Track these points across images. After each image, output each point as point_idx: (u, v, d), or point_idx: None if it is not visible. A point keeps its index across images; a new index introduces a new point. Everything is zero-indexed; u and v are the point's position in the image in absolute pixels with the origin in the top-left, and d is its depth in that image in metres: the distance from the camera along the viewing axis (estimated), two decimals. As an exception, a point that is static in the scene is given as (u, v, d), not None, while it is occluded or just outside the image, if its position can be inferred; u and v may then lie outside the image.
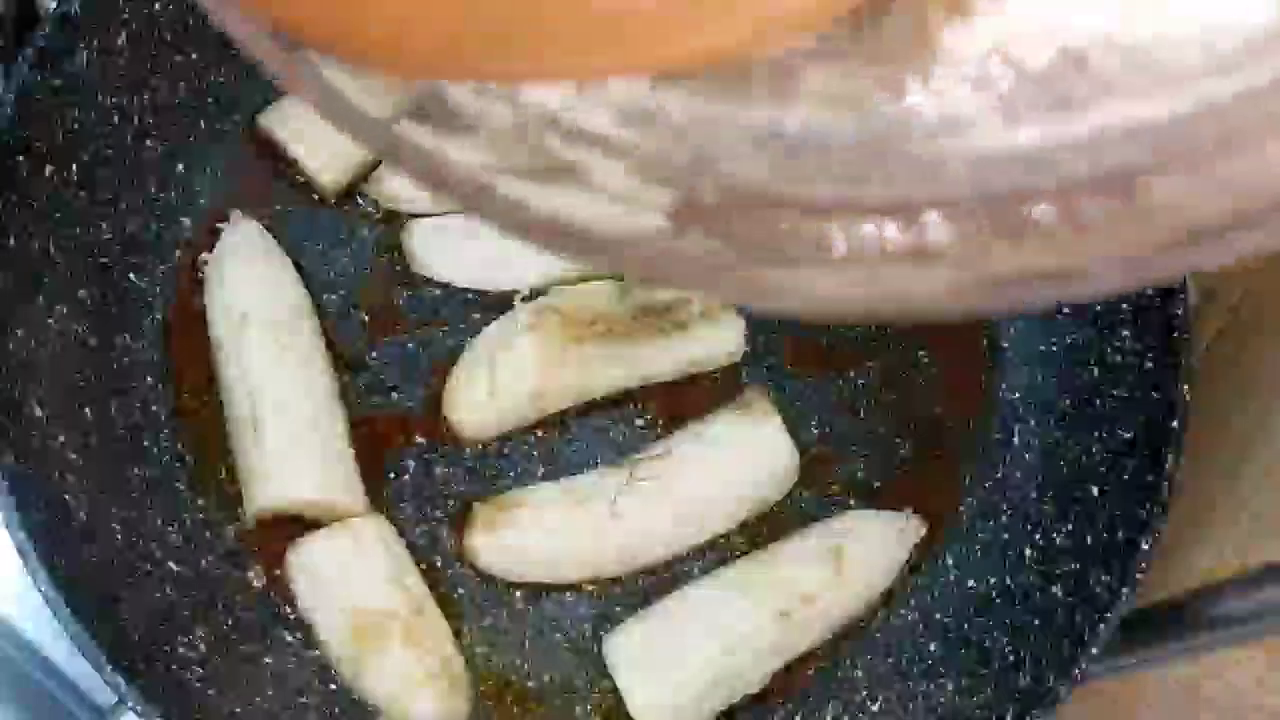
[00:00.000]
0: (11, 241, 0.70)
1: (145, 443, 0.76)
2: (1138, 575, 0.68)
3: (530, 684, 0.75)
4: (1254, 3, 0.24)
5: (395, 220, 0.83)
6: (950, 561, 0.79)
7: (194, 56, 0.79)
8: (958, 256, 0.26)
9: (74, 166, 0.74)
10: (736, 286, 0.28)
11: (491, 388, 0.76)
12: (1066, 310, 0.81)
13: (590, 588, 0.76)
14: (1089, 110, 0.26)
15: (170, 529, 0.74)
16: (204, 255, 0.80)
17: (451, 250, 0.81)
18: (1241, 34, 0.24)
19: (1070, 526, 0.75)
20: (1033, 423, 0.80)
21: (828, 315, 0.27)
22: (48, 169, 0.72)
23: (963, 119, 0.27)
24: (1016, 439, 0.81)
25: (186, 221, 0.81)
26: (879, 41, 0.27)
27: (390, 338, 0.80)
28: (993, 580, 0.77)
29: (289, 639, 0.74)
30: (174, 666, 0.68)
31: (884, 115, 0.27)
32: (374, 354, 0.80)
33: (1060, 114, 0.26)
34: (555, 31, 0.27)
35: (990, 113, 0.27)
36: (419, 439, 0.78)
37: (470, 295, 0.81)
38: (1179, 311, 0.72)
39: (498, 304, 0.81)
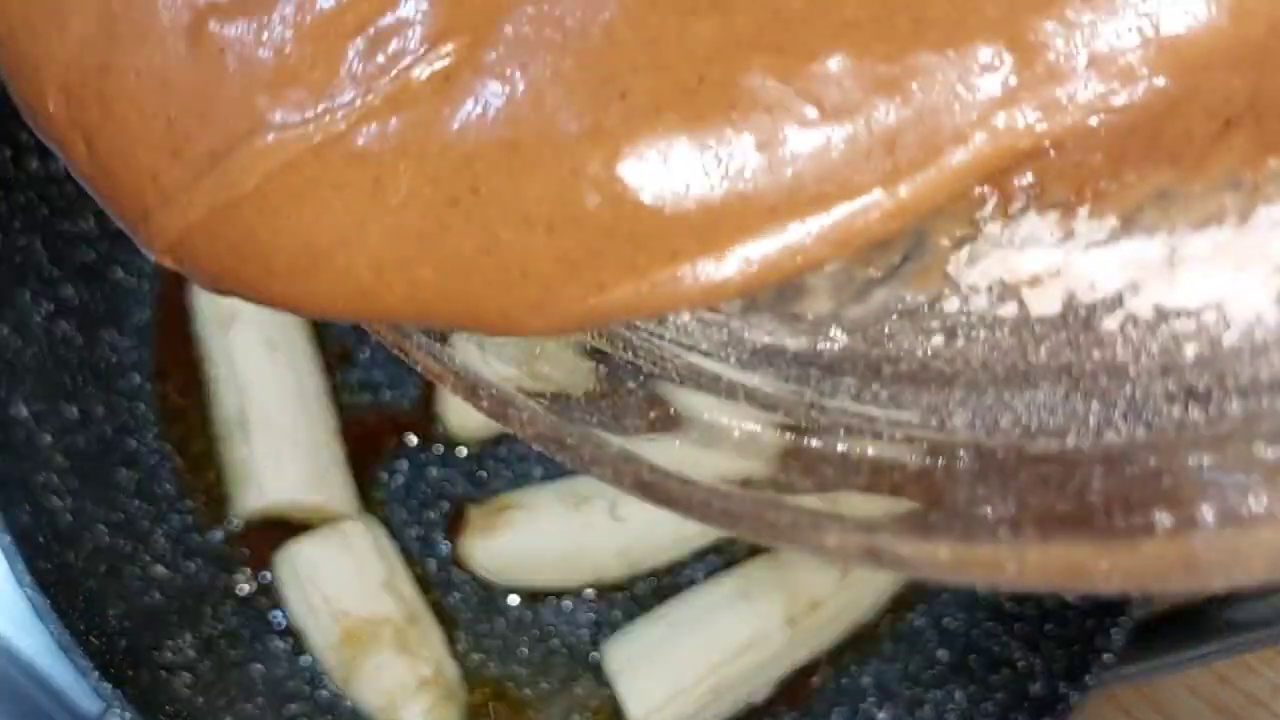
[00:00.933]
0: (-5, 236, 0.70)
1: (132, 442, 0.75)
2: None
3: (526, 692, 0.74)
4: (1250, 295, 0.25)
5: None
6: (959, 566, 0.78)
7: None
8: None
9: (59, 160, 0.73)
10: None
11: (487, 386, 0.75)
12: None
13: (589, 593, 0.75)
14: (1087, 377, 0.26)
15: (157, 531, 0.74)
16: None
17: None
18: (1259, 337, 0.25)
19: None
20: (1043, 423, 0.79)
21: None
22: (33, 163, 0.72)
23: (973, 359, 0.27)
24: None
25: (176, 217, 0.80)
26: (902, 272, 0.28)
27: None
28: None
29: (278, 645, 0.73)
30: (161, 673, 0.68)
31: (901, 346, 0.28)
32: (364, 351, 0.79)
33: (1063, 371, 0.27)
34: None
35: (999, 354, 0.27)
36: (411, 439, 0.77)
37: (466, 292, 0.80)
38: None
39: (494, 301, 0.80)
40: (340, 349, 0.79)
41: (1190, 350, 0.26)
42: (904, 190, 0.26)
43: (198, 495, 0.76)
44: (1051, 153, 0.26)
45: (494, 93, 0.27)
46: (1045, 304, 0.27)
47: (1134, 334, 0.27)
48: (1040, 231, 0.27)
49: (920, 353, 0.28)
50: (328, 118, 0.27)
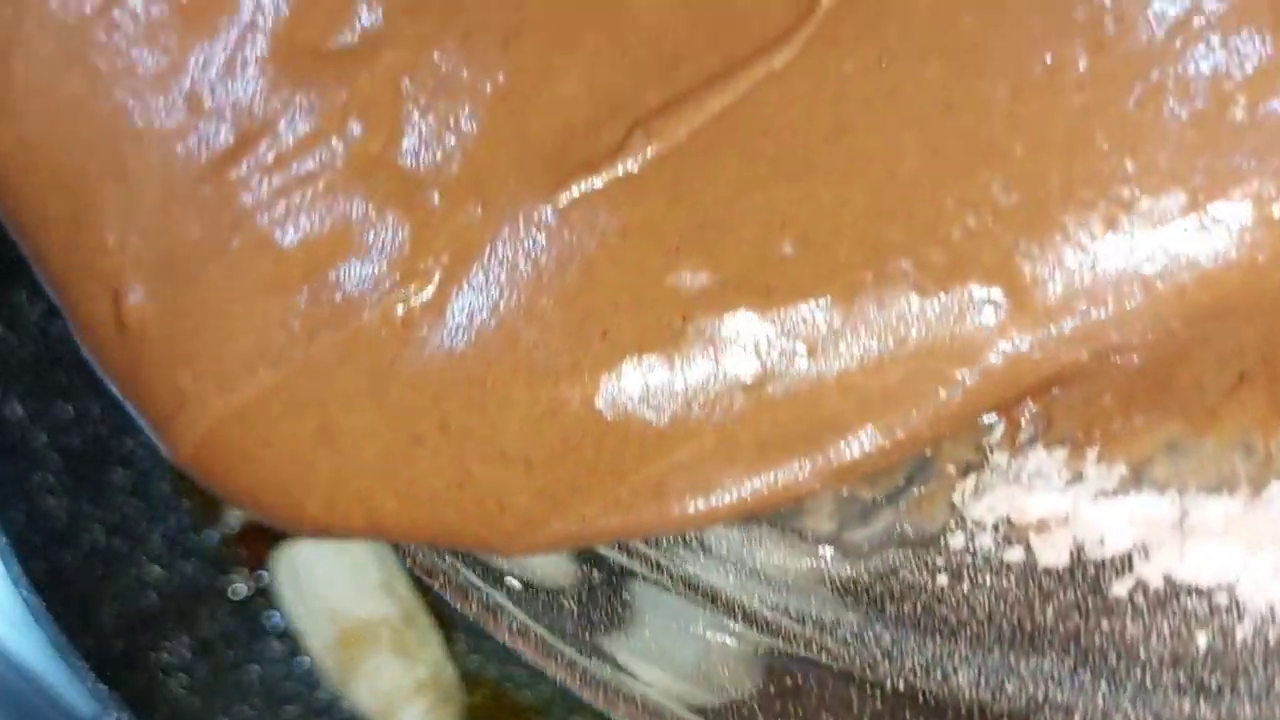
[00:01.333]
0: (-11, 234, 0.69)
1: (128, 443, 0.74)
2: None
3: (526, 694, 0.74)
4: (1263, 577, 0.25)
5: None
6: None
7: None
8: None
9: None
10: None
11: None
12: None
13: (588, 594, 0.75)
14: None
15: (154, 532, 0.73)
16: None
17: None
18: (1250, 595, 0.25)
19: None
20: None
21: None
22: (28, 160, 0.71)
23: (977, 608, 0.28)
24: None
25: (173, 215, 0.80)
26: (906, 496, 0.28)
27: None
28: None
29: (275, 646, 0.73)
30: (157, 674, 0.67)
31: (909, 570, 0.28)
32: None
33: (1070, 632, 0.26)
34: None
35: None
36: (411, 439, 0.77)
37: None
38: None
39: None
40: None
41: (1202, 640, 0.26)
42: (899, 430, 0.25)
43: (194, 496, 0.75)
44: (1055, 390, 0.26)
45: (463, 330, 0.27)
46: (1053, 554, 0.27)
47: (1144, 606, 0.26)
48: (1048, 469, 0.27)
49: (925, 593, 0.28)
50: (262, 376, 0.27)
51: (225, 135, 0.28)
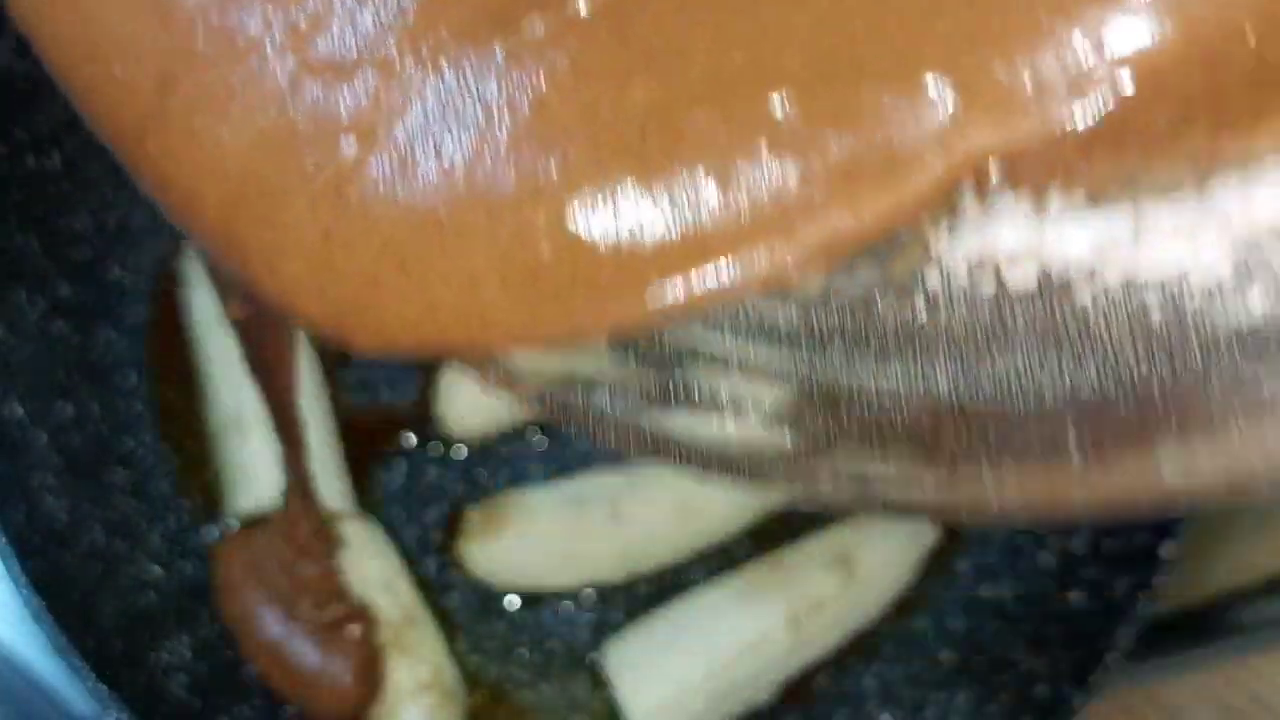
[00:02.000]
0: (-10, 234, 0.69)
1: (128, 442, 0.75)
2: (1158, 582, 0.67)
3: (526, 694, 0.74)
4: (1209, 264, 0.28)
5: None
6: (964, 567, 0.77)
7: (180, 44, 0.79)
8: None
9: (57, 157, 0.73)
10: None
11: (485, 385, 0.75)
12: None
13: (589, 595, 0.75)
14: (1068, 338, 0.29)
15: (153, 531, 0.73)
16: (188, 250, 0.78)
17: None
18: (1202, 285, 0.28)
19: (1089, 532, 0.73)
20: (1048, 423, 0.79)
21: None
22: (29, 159, 0.72)
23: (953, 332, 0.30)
24: (1031, 440, 0.79)
25: (172, 214, 0.80)
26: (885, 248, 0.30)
27: (382, 334, 0.79)
28: (1008, 587, 0.76)
29: (276, 646, 0.73)
30: (157, 674, 0.67)
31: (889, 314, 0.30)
32: (363, 351, 0.79)
33: (1043, 338, 0.29)
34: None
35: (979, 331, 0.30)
36: (410, 439, 0.77)
37: (465, 290, 0.80)
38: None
39: (494, 299, 0.80)
40: (338, 349, 0.79)
41: (1157, 316, 0.28)
42: (867, 212, 0.27)
43: (194, 495, 0.75)
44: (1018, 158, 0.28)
45: (411, 175, 0.28)
46: (1022, 280, 0.29)
47: (1105, 305, 0.29)
48: (1014, 209, 0.28)
49: (905, 324, 0.30)
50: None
51: None
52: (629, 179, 0.27)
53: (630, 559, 0.74)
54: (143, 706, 0.63)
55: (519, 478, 0.77)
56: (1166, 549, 0.67)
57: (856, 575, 0.73)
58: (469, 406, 0.75)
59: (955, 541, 0.78)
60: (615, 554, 0.74)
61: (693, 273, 0.27)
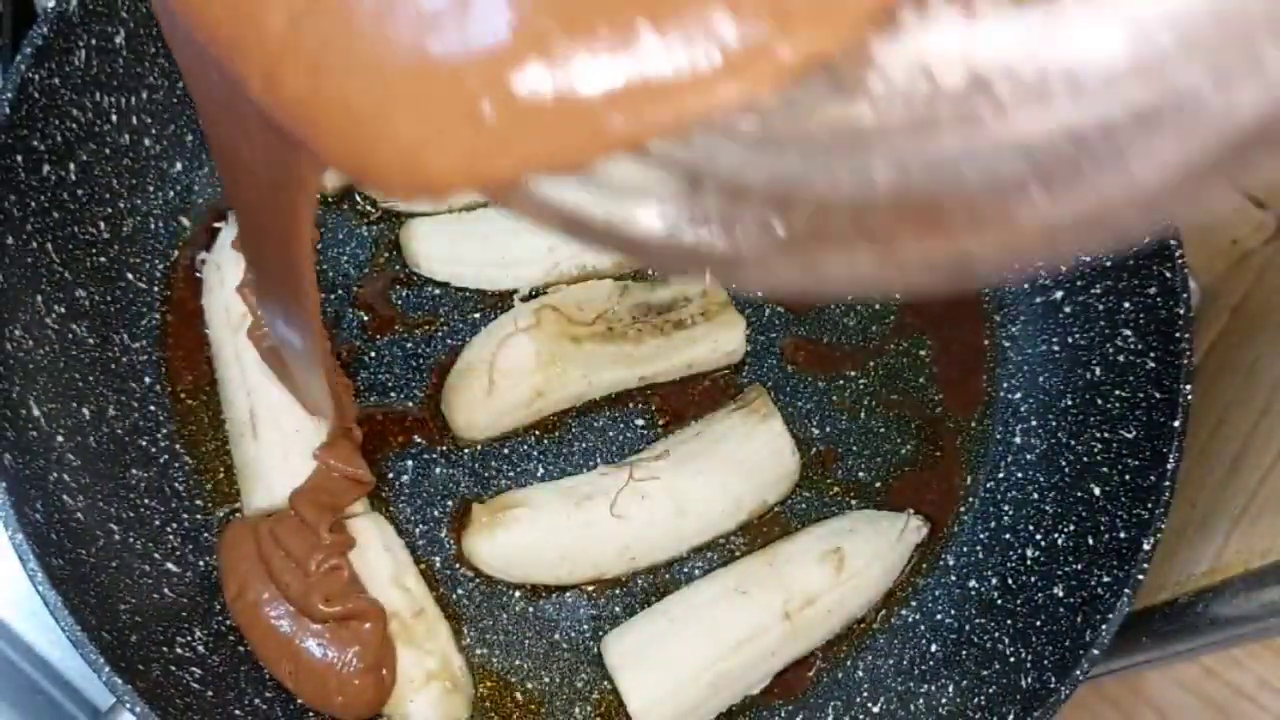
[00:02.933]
0: (9, 241, 0.69)
1: (143, 442, 0.75)
2: (1140, 575, 0.68)
3: (530, 685, 0.75)
4: (1108, 47, 0.30)
5: (393, 219, 0.82)
6: (952, 562, 0.78)
7: (192, 55, 0.79)
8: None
9: (72, 165, 0.74)
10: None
11: (490, 387, 0.76)
12: (1068, 310, 0.80)
13: (590, 588, 0.76)
14: (990, 126, 0.31)
15: (168, 529, 0.74)
16: (202, 255, 0.79)
17: (450, 250, 0.80)
18: (1100, 72, 0.30)
19: (1072, 527, 0.74)
20: (1034, 422, 0.80)
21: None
22: (45, 168, 0.72)
23: (892, 126, 0.32)
24: (1018, 439, 0.81)
25: (184, 220, 0.80)
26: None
27: (388, 337, 0.80)
28: (994, 580, 0.77)
29: (287, 640, 0.73)
30: (172, 667, 0.67)
31: (831, 119, 0.32)
32: (372, 353, 0.79)
33: (968, 127, 0.31)
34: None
35: (914, 122, 0.32)
36: (418, 439, 0.78)
37: (469, 294, 0.81)
38: (1181, 311, 0.72)
39: (497, 303, 0.81)
40: (349, 351, 0.79)
41: (1059, 88, 0.30)
42: (830, 43, 0.29)
43: (208, 494, 0.76)
44: None
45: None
46: (952, 78, 0.31)
47: (1021, 93, 0.31)
48: (948, 14, 0.30)
49: (845, 122, 0.32)
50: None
51: None
52: (581, 48, 0.28)
53: (629, 555, 0.75)
54: (158, 699, 0.63)
55: (523, 477, 0.77)
56: (1148, 544, 0.68)
57: (847, 570, 0.74)
58: (476, 408, 0.76)
59: (943, 536, 0.79)
60: (615, 550, 0.75)
61: (645, 110, 0.29)
